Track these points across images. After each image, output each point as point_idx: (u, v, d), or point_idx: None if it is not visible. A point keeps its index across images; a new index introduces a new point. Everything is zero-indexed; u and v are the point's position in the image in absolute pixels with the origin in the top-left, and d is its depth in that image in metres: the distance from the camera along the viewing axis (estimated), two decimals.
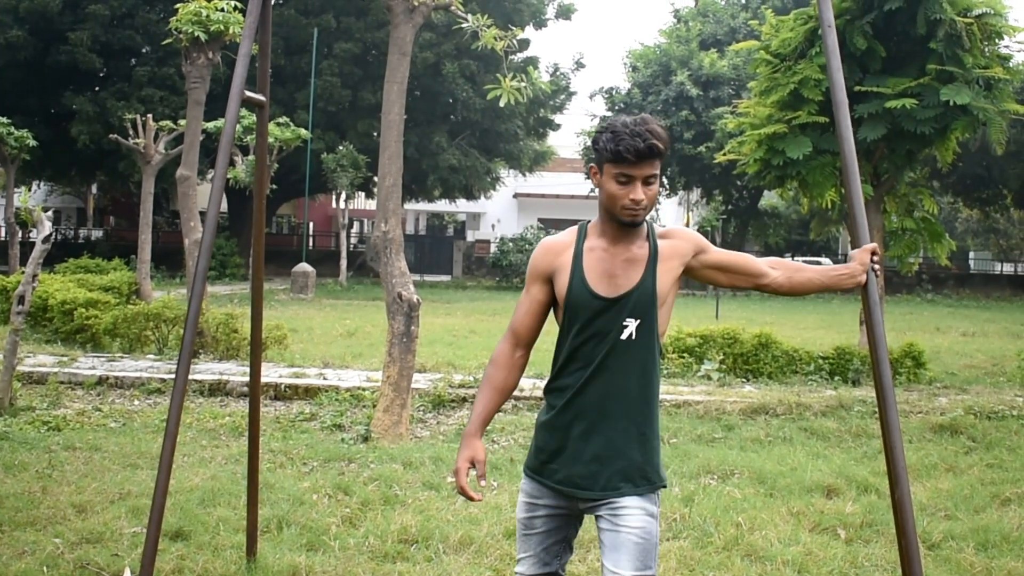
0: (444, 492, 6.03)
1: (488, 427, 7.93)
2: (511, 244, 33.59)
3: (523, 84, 7.77)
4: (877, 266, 3.16)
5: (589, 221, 3.00)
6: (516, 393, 9.11)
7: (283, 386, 9.32)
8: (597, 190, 2.94)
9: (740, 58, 31.24)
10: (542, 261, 2.98)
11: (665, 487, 2.95)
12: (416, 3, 7.32)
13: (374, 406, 7.97)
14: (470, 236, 48.54)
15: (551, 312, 3.03)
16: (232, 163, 22.01)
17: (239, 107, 3.86)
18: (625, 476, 2.86)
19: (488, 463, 6.74)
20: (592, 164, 2.97)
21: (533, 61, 33.02)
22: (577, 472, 2.90)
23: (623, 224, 2.86)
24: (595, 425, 2.88)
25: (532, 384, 9.53)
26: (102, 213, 48.43)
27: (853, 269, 3.11)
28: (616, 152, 2.78)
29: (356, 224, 47.86)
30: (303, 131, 23.28)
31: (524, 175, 38.43)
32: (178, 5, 11.45)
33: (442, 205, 43.91)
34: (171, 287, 23.44)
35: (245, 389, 9.00)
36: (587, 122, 36.97)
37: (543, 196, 46.69)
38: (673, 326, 10.79)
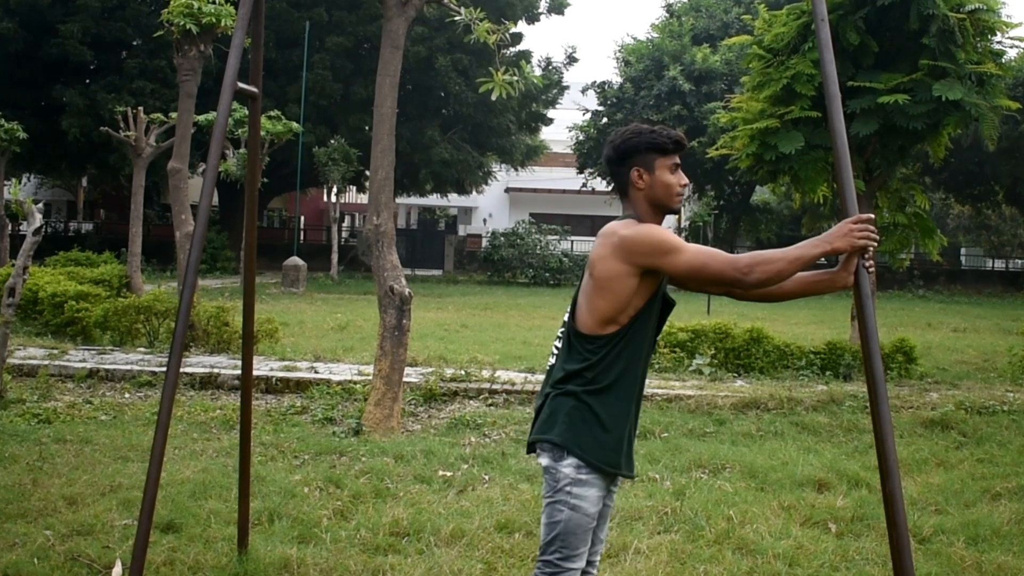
0: (435, 485, 6.04)
1: (480, 421, 7.92)
2: (503, 239, 33.48)
3: (515, 78, 7.76)
4: (871, 264, 3.13)
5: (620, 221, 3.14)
6: (508, 388, 9.12)
7: (274, 379, 9.31)
8: (643, 189, 3.11)
9: (733, 53, 31.20)
10: None
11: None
12: None
13: (365, 399, 7.97)
14: (462, 230, 48.45)
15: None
16: (223, 156, 21.96)
17: (232, 98, 3.84)
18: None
19: (480, 457, 6.76)
20: (636, 168, 3.11)
21: (525, 55, 32.95)
22: None
23: (673, 212, 3.14)
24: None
25: (524, 378, 9.54)
26: (92, 206, 48.19)
27: (839, 275, 3.21)
28: (675, 142, 3.11)
29: (347, 218, 47.75)
30: (294, 124, 23.23)
31: (516, 169, 38.36)
32: None
33: (434, 199, 43.79)
34: (162, 280, 23.32)
35: (236, 382, 8.99)
36: (579, 117, 36.80)
37: (535, 191, 46.64)
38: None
